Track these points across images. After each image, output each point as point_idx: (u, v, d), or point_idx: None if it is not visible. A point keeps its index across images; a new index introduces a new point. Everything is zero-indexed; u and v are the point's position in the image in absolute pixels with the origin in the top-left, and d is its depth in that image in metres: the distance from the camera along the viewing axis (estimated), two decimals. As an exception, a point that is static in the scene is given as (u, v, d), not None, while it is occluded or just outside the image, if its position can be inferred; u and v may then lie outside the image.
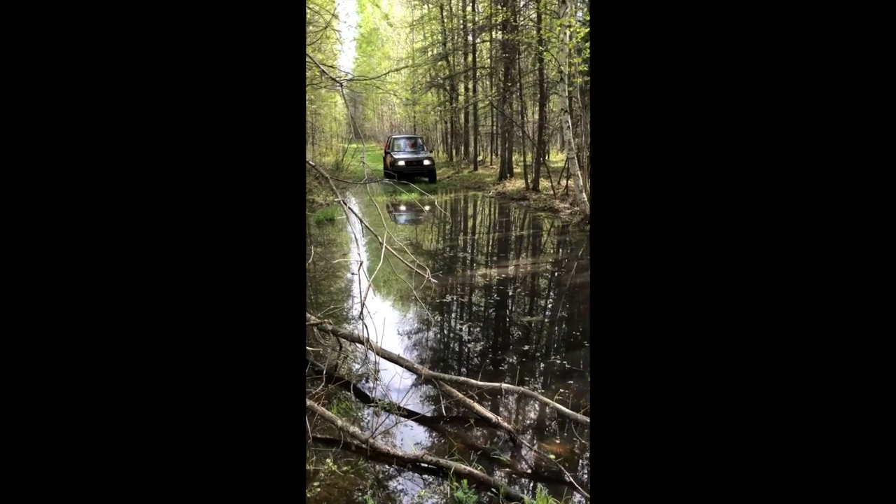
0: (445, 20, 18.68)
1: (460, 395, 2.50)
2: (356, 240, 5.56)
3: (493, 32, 14.89)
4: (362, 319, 2.63)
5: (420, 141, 15.39)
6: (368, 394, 2.74)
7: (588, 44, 7.37)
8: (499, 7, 12.17)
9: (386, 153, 14.78)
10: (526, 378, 2.87)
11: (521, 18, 11.82)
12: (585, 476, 2.05)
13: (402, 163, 13.17)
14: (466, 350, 3.35)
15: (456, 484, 1.94)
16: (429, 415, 2.51)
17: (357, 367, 3.07)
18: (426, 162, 13.44)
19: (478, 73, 16.90)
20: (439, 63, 18.99)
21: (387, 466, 2.11)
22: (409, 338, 3.60)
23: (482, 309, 4.16)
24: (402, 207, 10.01)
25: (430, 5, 19.53)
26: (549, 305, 4.28)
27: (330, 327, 3.10)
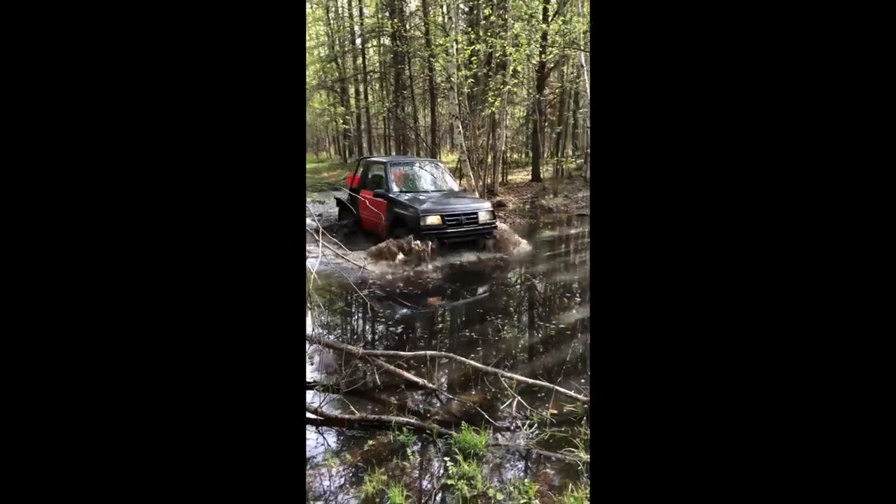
0: (332, 22, 18.64)
1: (391, 367, 2.95)
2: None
3: (382, 38, 15.25)
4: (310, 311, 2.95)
5: (441, 168, 7.43)
6: (308, 377, 3.06)
7: (474, 58, 8.16)
8: (386, 15, 12.60)
9: (356, 191, 7.00)
10: (443, 345, 3.39)
11: (410, 27, 12.38)
12: (497, 414, 2.62)
13: (432, 218, 5.76)
14: (391, 331, 3.79)
15: (397, 432, 2.39)
16: (366, 386, 2.92)
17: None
18: (484, 216, 6.13)
19: (368, 77, 17.14)
20: (328, 65, 18.89)
21: (336, 429, 2.50)
22: (339, 325, 3.94)
23: (396, 297, 4.62)
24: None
25: (314, 5, 19.34)
26: (450, 291, 4.86)
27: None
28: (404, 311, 4.25)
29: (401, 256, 5.53)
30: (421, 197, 6.20)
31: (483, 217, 6.10)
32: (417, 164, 7.26)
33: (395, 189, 6.37)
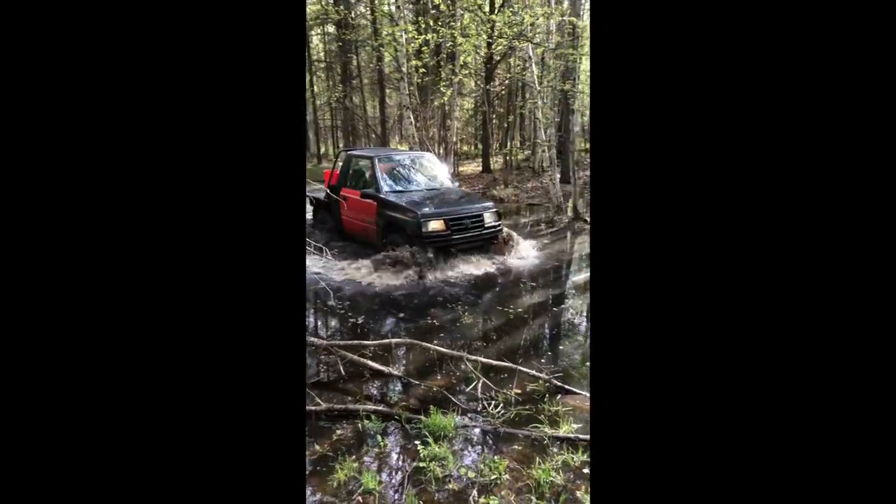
0: (273, 8, 17.96)
1: (355, 357, 2.93)
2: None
3: (326, 27, 14.86)
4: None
5: (435, 161, 6.61)
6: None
7: (425, 48, 8.13)
8: (330, 2, 12.29)
9: (335, 189, 6.10)
10: (404, 333, 3.41)
11: (355, 15, 12.14)
12: (462, 398, 2.67)
13: (434, 223, 4.96)
14: (351, 321, 3.76)
15: (366, 420, 2.39)
16: (331, 377, 2.89)
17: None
18: (489, 218, 5.36)
19: (314, 67, 16.67)
20: (270, 53, 18.23)
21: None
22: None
23: (354, 289, 4.57)
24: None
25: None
26: (407, 283, 4.86)
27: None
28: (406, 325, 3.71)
29: (406, 267, 4.81)
30: (417, 198, 5.28)
31: (488, 219, 5.30)
32: (408, 158, 6.18)
33: (386, 188, 5.42)
